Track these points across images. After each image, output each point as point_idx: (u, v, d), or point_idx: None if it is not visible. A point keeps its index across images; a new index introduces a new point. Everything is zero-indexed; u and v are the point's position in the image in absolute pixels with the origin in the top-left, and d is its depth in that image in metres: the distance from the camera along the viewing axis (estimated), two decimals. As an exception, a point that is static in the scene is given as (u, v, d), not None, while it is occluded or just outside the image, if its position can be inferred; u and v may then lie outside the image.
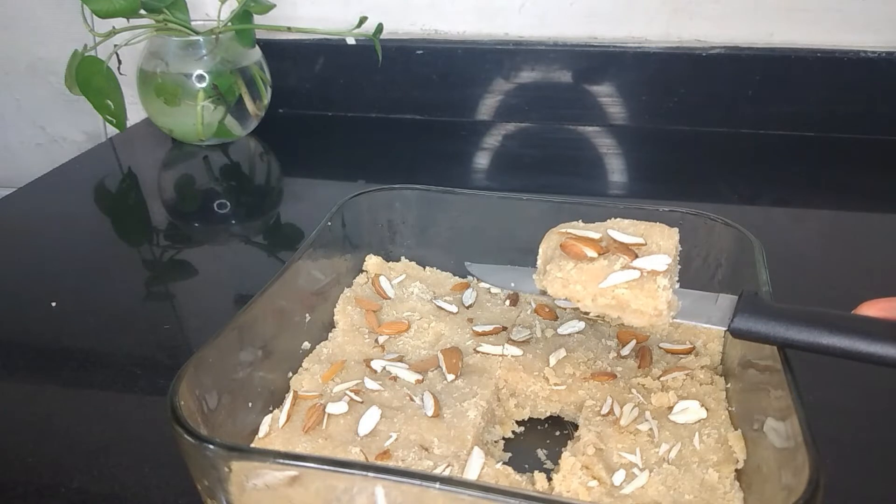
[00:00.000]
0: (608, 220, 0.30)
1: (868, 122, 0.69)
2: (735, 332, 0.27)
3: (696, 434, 0.31)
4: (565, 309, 0.40)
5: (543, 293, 0.29)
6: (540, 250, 0.30)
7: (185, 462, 0.26)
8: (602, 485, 0.29)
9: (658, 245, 0.28)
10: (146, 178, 0.68)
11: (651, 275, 0.27)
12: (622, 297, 0.27)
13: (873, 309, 0.25)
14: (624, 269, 0.27)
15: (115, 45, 0.65)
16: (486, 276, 0.34)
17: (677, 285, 0.28)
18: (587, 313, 0.29)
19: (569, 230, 0.29)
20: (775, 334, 0.26)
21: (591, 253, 0.28)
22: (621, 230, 0.29)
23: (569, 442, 0.32)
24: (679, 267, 0.29)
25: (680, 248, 0.29)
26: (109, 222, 0.60)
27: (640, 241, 0.28)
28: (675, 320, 0.28)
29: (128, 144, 0.74)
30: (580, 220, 0.30)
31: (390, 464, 0.29)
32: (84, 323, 0.44)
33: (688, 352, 0.36)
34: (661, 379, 0.34)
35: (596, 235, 0.29)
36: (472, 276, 0.34)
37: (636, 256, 0.28)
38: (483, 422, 0.32)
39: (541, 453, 0.33)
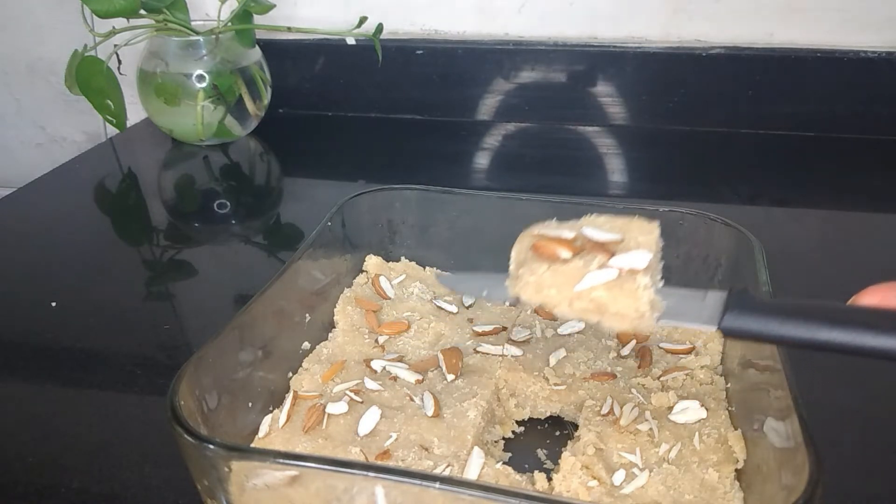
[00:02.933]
0: (584, 218, 0.28)
1: (868, 122, 0.69)
2: (726, 332, 0.25)
3: (696, 434, 0.31)
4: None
5: (517, 300, 0.27)
6: (512, 254, 0.28)
7: (185, 462, 0.26)
8: (602, 485, 0.29)
9: (637, 241, 0.26)
10: (146, 178, 0.68)
11: (630, 274, 0.25)
12: (600, 300, 0.25)
13: (875, 297, 0.23)
14: (601, 268, 0.25)
15: (115, 45, 0.65)
16: (458, 286, 0.32)
17: (661, 284, 0.26)
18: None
19: (541, 231, 0.27)
20: (769, 332, 0.24)
21: (565, 253, 0.26)
22: (597, 227, 0.27)
23: (569, 442, 0.32)
24: (662, 263, 0.26)
25: (662, 243, 0.26)
26: (109, 222, 0.60)
27: (618, 237, 0.26)
28: (660, 322, 0.25)
29: (128, 144, 0.74)
30: (554, 219, 0.28)
31: (390, 464, 0.29)
32: (84, 323, 0.44)
33: (688, 352, 0.36)
34: (661, 379, 0.34)
35: (570, 234, 0.27)
36: (443, 284, 0.33)
37: (613, 254, 0.25)
38: (483, 422, 0.32)
39: (541, 453, 0.33)
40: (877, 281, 0.23)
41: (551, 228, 0.27)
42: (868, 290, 0.23)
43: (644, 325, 0.25)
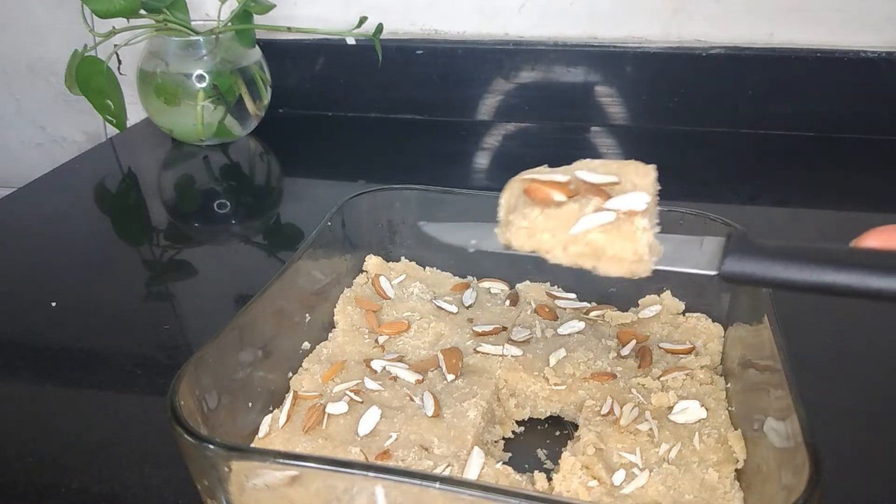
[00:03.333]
0: (576, 162, 0.27)
1: (868, 122, 0.69)
2: (726, 276, 0.23)
3: (696, 434, 0.31)
4: (565, 309, 0.40)
5: (508, 248, 0.26)
6: (502, 200, 0.26)
7: (185, 462, 0.26)
8: (602, 485, 0.29)
9: (633, 184, 0.25)
10: (146, 178, 0.68)
11: (628, 215, 0.24)
12: (597, 243, 0.24)
13: (877, 239, 0.22)
14: (597, 211, 0.24)
15: (115, 45, 0.65)
16: (444, 235, 0.30)
17: (657, 229, 0.25)
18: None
19: (532, 175, 0.26)
20: (772, 275, 0.22)
21: (560, 196, 0.24)
22: (591, 170, 0.26)
23: (569, 442, 0.32)
24: (658, 209, 0.25)
25: (659, 188, 0.25)
26: (109, 222, 0.60)
27: (614, 179, 0.25)
28: (657, 267, 0.24)
29: (128, 144, 0.74)
30: (545, 165, 0.27)
31: (390, 464, 0.29)
32: (84, 323, 0.44)
33: (688, 352, 0.36)
34: (661, 379, 0.34)
35: (564, 178, 0.25)
36: (429, 234, 0.31)
37: (609, 197, 0.24)
38: (483, 422, 0.32)
39: (541, 453, 0.33)
40: None
41: (543, 173, 0.26)
42: (870, 233, 0.22)
43: (642, 269, 0.24)
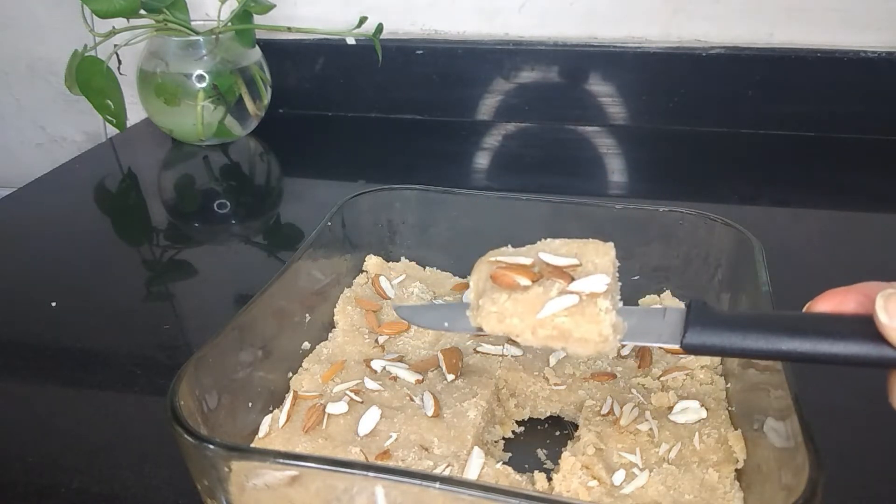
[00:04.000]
0: (539, 242, 0.28)
1: (868, 122, 0.69)
2: (688, 348, 0.24)
3: (696, 434, 0.31)
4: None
5: (480, 331, 0.27)
6: (471, 283, 0.27)
7: (185, 462, 0.26)
8: (602, 485, 0.29)
9: (594, 264, 0.26)
10: (146, 178, 0.68)
11: (591, 297, 0.25)
12: (563, 326, 0.25)
13: (829, 303, 0.23)
14: (561, 294, 0.25)
15: (115, 45, 0.65)
16: (417, 318, 0.31)
17: (620, 304, 0.26)
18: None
19: (498, 258, 0.27)
20: (731, 345, 0.24)
21: (524, 281, 0.25)
22: (553, 252, 0.27)
23: (569, 442, 0.33)
24: (619, 284, 0.27)
25: (618, 264, 0.27)
26: (109, 222, 0.60)
27: (575, 261, 0.26)
28: (623, 342, 0.26)
29: (128, 144, 0.74)
30: (509, 245, 0.28)
31: (390, 464, 0.29)
32: (84, 323, 0.44)
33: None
34: (661, 379, 0.34)
35: (528, 261, 0.27)
36: (402, 317, 0.32)
37: (572, 279, 0.25)
38: (483, 422, 0.32)
39: (541, 453, 0.33)
40: (875, 280, 0.24)
41: (507, 255, 0.27)
42: (823, 296, 0.23)
43: (608, 348, 0.25)
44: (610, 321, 0.25)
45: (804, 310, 0.24)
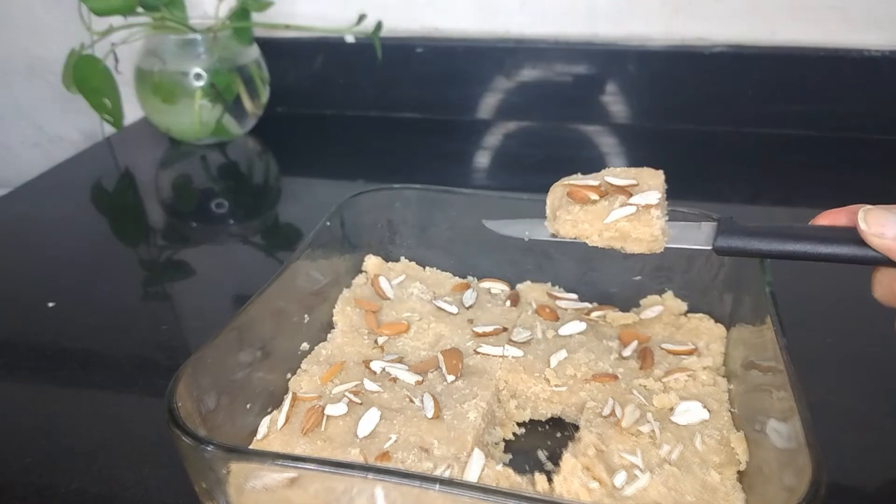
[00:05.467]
0: (603, 170, 0.34)
1: (870, 121, 0.69)
2: (718, 250, 0.31)
3: (698, 435, 0.31)
4: (566, 310, 0.40)
5: (555, 236, 0.33)
6: (547, 202, 0.34)
7: (184, 463, 0.26)
8: (603, 486, 0.29)
9: (648, 184, 0.33)
10: (144, 178, 0.68)
11: (646, 208, 0.31)
12: (624, 229, 0.31)
13: (825, 220, 0.31)
14: (622, 206, 0.32)
15: (113, 44, 0.65)
16: (502, 229, 0.36)
17: (666, 218, 0.32)
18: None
19: (570, 182, 0.34)
20: (752, 247, 0.31)
21: (594, 196, 0.32)
22: (615, 175, 0.33)
23: (570, 443, 0.32)
24: (667, 203, 0.33)
25: (666, 187, 0.33)
26: (107, 222, 0.60)
27: (633, 181, 0.33)
28: (667, 245, 0.32)
29: (125, 143, 0.74)
30: (578, 173, 0.34)
31: (390, 465, 0.29)
32: (82, 323, 0.44)
33: (690, 353, 0.36)
34: (663, 380, 0.34)
35: (595, 182, 0.33)
36: (489, 227, 0.37)
37: (631, 195, 0.32)
38: (483, 423, 0.32)
39: (541, 455, 0.33)
40: (867, 272, 0.30)
41: (578, 179, 0.34)
42: (822, 215, 0.31)
43: (657, 247, 0.32)
44: (660, 226, 0.31)
45: (808, 223, 0.31)
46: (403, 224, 0.44)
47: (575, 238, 0.33)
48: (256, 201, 0.63)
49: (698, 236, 0.32)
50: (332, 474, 0.24)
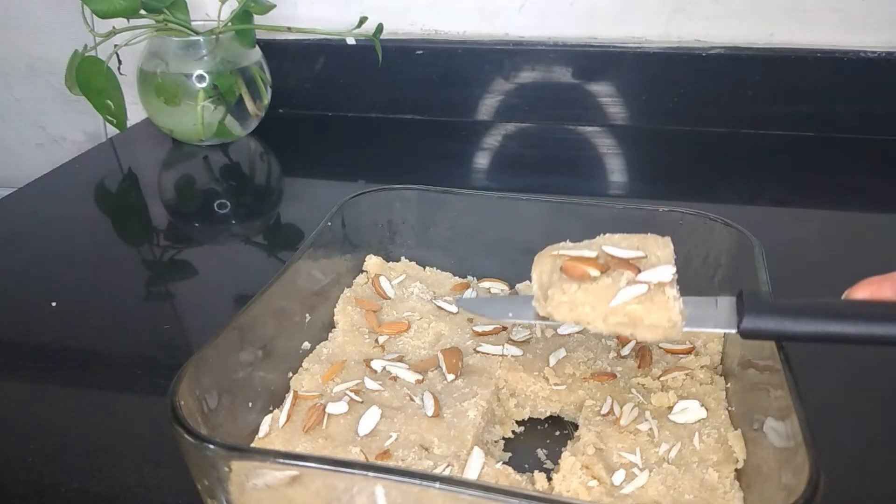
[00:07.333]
0: (597, 238, 0.29)
1: (868, 122, 0.69)
2: (745, 334, 0.27)
3: (696, 434, 0.31)
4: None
5: (545, 320, 0.28)
6: (533, 276, 0.29)
7: (185, 462, 0.26)
8: (602, 484, 0.29)
9: (657, 256, 0.28)
10: (146, 179, 0.68)
11: (659, 287, 0.26)
12: (634, 314, 0.26)
13: (866, 290, 0.26)
14: (630, 284, 0.27)
15: (116, 46, 0.65)
16: (479, 309, 0.32)
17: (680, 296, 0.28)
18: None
19: (561, 252, 0.28)
20: (784, 329, 0.26)
21: (594, 272, 0.27)
22: (615, 245, 0.28)
23: (569, 442, 0.32)
24: (677, 276, 0.28)
25: (675, 257, 0.28)
26: (109, 222, 0.60)
27: (640, 253, 0.28)
28: (686, 329, 0.27)
29: (128, 144, 0.74)
30: (567, 241, 0.30)
31: (390, 463, 0.29)
32: (84, 323, 0.44)
33: (687, 352, 0.36)
34: (661, 379, 0.34)
35: (592, 254, 0.28)
36: (465, 308, 0.33)
37: (639, 270, 0.27)
38: (483, 422, 0.32)
39: (541, 453, 0.33)
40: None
41: (569, 249, 0.29)
42: (860, 285, 0.26)
43: (675, 333, 0.27)
44: (678, 308, 0.26)
45: (843, 297, 0.27)
46: (404, 224, 0.44)
47: (574, 322, 0.27)
48: (258, 202, 0.63)
49: (718, 317, 0.27)
50: (332, 472, 0.24)
